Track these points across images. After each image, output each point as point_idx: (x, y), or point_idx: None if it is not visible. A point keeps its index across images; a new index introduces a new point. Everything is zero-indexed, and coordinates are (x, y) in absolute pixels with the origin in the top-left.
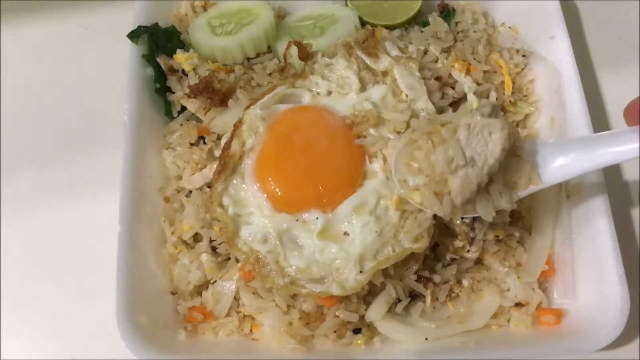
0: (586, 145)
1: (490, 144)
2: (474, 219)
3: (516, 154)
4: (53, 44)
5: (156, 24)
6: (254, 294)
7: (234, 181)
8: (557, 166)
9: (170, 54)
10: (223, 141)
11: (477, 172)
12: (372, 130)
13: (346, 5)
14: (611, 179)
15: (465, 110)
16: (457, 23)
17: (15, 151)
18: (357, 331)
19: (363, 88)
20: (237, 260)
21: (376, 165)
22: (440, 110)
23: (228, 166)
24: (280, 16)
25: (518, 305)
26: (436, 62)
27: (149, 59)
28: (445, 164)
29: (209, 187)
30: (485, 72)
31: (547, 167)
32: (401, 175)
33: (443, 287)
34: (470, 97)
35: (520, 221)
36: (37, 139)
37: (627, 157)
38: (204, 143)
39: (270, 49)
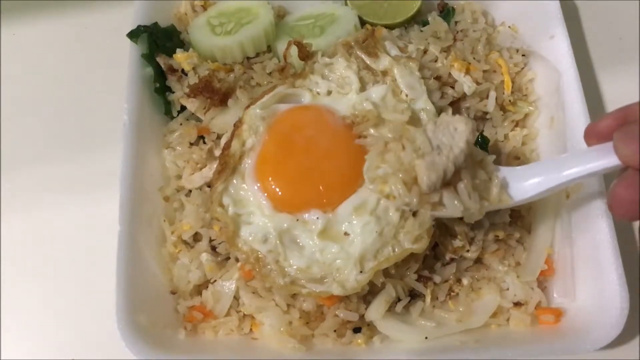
0: (544, 169)
1: (456, 136)
2: None
3: (482, 167)
4: (53, 44)
5: (156, 24)
6: (253, 293)
7: (234, 181)
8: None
9: (170, 53)
10: (223, 141)
11: (443, 160)
12: (372, 130)
13: (346, 4)
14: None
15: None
16: (456, 22)
17: (15, 151)
18: (357, 330)
19: (363, 88)
20: (237, 260)
21: None
22: (439, 110)
23: (228, 166)
24: (280, 15)
25: (517, 304)
26: (436, 61)
27: (149, 58)
28: (413, 155)
29: (209, 186)
30: (484, 71)
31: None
32: (372, 174)
33: (443, 286)
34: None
35: (519, 220)
36: (37, 138)
37: (585, 173)
38: (204, 142)
39: (270, 49)
